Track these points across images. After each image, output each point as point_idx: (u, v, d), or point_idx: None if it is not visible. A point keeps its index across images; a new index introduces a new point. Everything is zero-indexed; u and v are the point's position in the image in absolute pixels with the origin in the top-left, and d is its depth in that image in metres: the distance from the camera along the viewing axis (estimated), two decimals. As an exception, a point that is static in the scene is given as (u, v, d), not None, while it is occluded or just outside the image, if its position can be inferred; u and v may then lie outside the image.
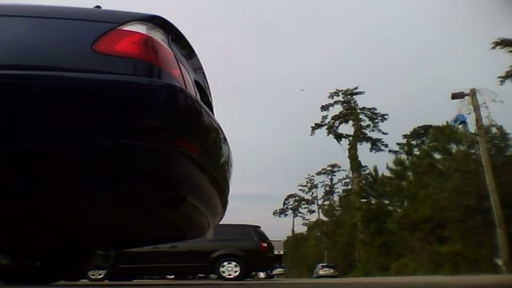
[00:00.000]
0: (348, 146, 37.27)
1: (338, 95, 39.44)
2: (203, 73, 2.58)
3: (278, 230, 55.31)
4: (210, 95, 2.64)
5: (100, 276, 9.53)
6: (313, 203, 53.84)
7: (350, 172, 37.86)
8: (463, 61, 56.42)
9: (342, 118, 38.91)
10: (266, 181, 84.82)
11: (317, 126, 39.70)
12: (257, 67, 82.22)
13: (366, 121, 38.35)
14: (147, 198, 1.77)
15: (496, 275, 11.74)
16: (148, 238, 2.86)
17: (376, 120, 38.17)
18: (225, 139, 2.25)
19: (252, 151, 61.48)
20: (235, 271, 9.30)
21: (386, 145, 37.51)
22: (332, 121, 39.22)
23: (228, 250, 9.41)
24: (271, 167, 74.28)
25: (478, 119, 17.52)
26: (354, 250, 33.50)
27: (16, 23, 1.77)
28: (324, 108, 39.54)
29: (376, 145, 37.86)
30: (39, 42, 1.71)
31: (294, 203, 56.42)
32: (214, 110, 2.60)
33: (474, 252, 18.39)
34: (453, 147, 22.95)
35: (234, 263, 9.35)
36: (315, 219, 52.16)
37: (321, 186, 52.02)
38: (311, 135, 40.19)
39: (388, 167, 29.61)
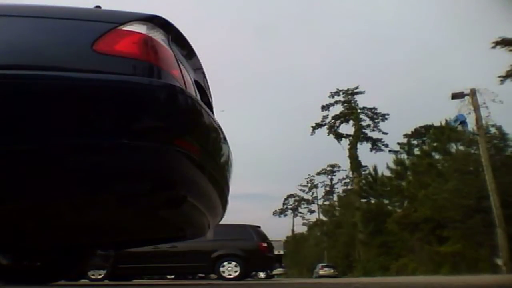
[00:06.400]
0: (348, 146, 37.29)
1: (338, 95, 39.38)
2: (203, 73, 2.57)
3: (278, 230, 55.24)
4: (210, 95, 2.64)
5: (100, 276, 9.53)
6: (313, 203, 53.83)
7: (350, 172, 37.88)
8: (463, 61, 56.35)
9: (342, 118, 38.85)
10: (266, 181, 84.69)
11: (318, 125, 39.65)
12: (257, 67, 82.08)
13: (366, 121, 38.39)
14: (147, 198, 1.77)
15: (496, 275, 11.73)
16: (148, 238, 2.86)
17: (376, 120, 38.16)
18: (225, 139, 2.24)
19: (252, 151, 61.37)
20: (235, 271, 9.30)
21: (387, 145, 37.48)
22: (333, 121, 39.17)
23: (228, 250, 9.41)
24: (271, 167, 74.17)
25: (478, 119, 17.52)
26: (354, 250, 33.48)
27: (16, 23, 1.77)
28: (325, 108, 39.51)
29: (376, 145, 37.80)
30: (39, 42, 1.71)
31: (294, 203, 56.43)
32: (214, 110, 2.60)
33: (474, 252, 18.39)
34: (453, 147, 22.97)
35: (234, 263, 9.35)
36: (315, 219, 52.23)
37: (321, 186, 52.07)
38: (311, 135, 40.17)
39: (388, 167, 29.64)
